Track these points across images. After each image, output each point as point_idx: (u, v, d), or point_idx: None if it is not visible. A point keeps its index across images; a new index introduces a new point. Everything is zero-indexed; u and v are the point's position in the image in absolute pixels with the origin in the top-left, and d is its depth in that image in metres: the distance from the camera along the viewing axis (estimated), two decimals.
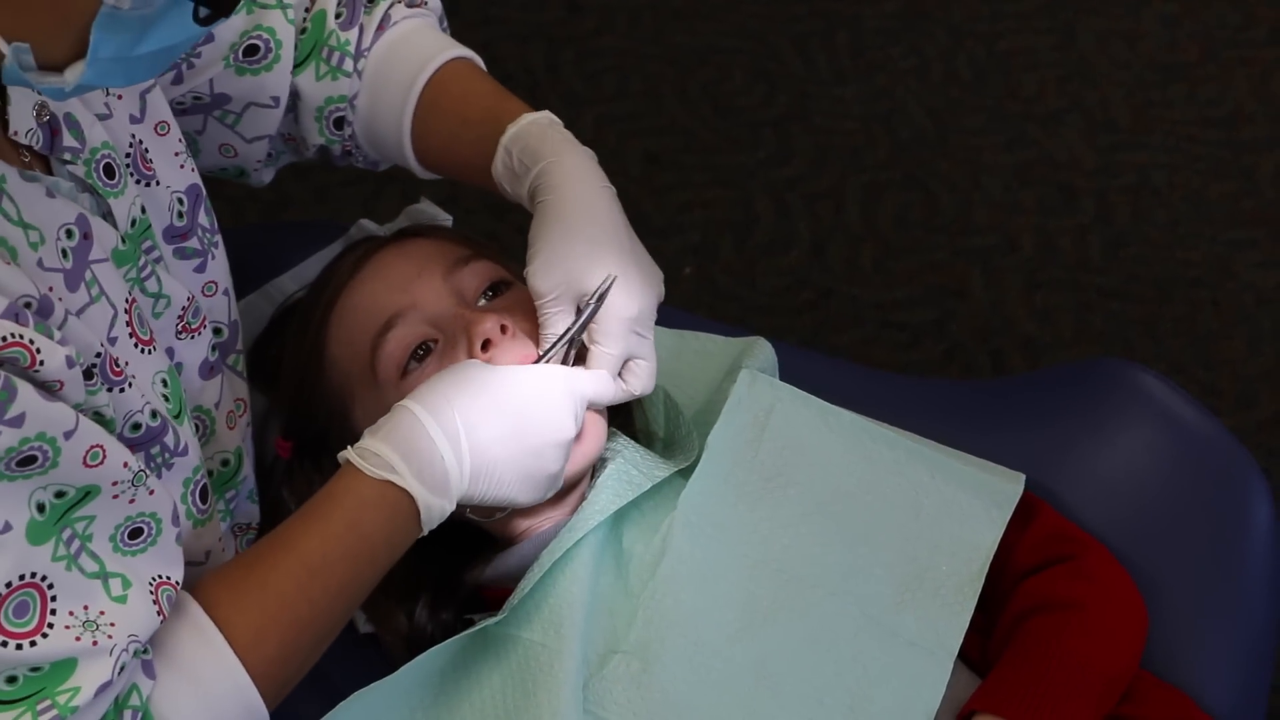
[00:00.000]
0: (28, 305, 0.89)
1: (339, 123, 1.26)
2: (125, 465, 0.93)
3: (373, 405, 1.18)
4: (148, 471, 0.96)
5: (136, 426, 1.01)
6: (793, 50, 2.45)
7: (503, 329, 1.14)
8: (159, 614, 0.94)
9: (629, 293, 1.12)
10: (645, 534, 1.16)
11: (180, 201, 1.14)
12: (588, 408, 1.11)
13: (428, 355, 1.17)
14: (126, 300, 1.02)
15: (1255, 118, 2.39)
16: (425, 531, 1.05)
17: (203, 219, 1.18)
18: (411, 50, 1.24)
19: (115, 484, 0.92)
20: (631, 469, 1.17)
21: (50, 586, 0.88)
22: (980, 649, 1.21)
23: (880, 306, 2.17)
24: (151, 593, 0.94)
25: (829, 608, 1.16)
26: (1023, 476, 1.23)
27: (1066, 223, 2.26)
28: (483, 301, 1.20)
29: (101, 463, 0.91)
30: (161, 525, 0.96)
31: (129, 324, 1.02)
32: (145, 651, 0.95)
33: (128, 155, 1.09)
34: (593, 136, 2.29)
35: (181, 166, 1.15)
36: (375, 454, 1.03)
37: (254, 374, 1.32)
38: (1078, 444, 1.32)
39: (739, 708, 1.11)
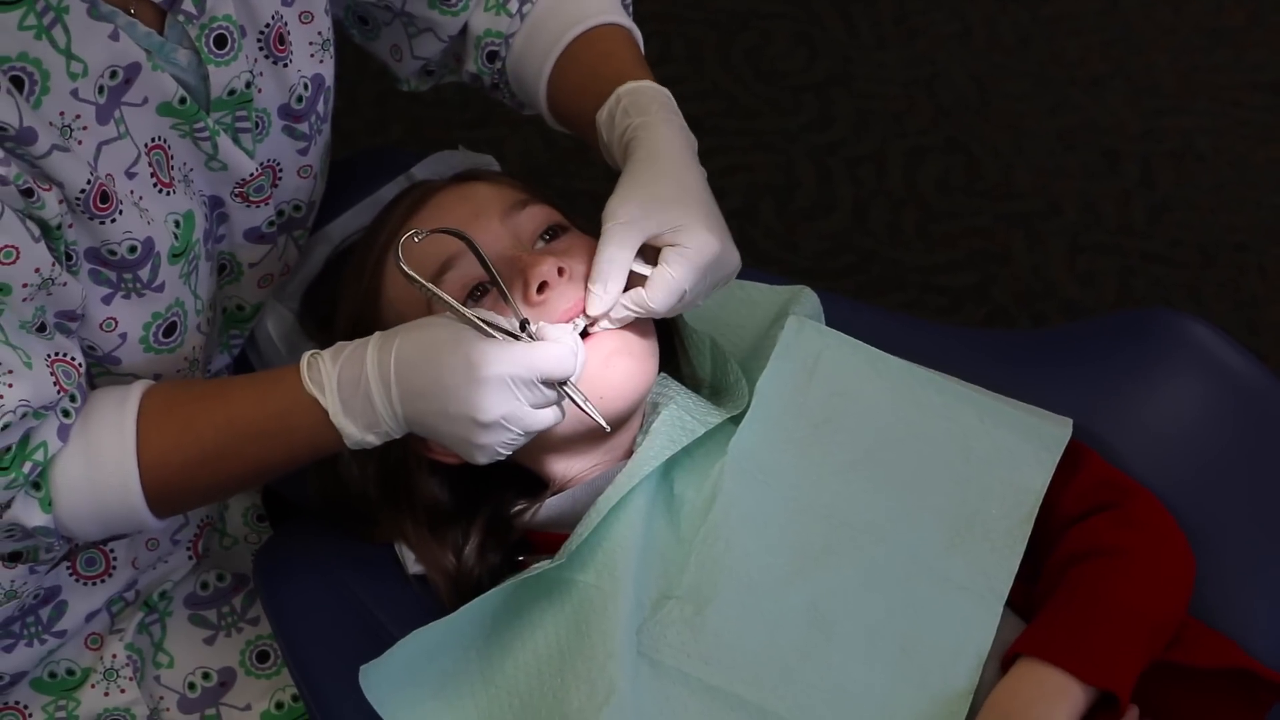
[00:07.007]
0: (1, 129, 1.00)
1: (491, 56, 1.35)
2: (37, 270, 1.04)
3: None
4: (61, 269, 1.07)
5: (112, 253, 1.11)
6: (835, 15, 2.44)
7: (560, 271, 1.14)
8: (55, 385, 1.07)
9: (701, 242, 1.14)
10: (696, 480, 1.17)
11: (305, 87, 1.24)
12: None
13: (484, 296, 1.17)
14: (149, 144, 1.12)
15: None
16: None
17: (320, 108, 1.27)
18: (576, 7, 1.32)
19: (25, 285, 1.04)
20: (685, 415, 1.17)
21: None
22: (1025, 595, 1.21)
23: (922, 270, 2.17)
24: (48, 366, 1.06)
25: (879, 552, 1.16)
26: (1070, 420, 1.23)
27: (1110, 187, 2.25)
28: (540, 245, 1.21)
29: (15, 262, 1.02)
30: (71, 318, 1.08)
31: (150, 165, 1.13)
32: (67, 415, 1.09)
33: (262, 32, 1.19)
34: None
35: (312, 56, 1.24)
36: (319, 369, 1.08)
37: (306, 316, 1.33)
38: (1126, 393, 1.32)
39: (792, 650, 1.12)
